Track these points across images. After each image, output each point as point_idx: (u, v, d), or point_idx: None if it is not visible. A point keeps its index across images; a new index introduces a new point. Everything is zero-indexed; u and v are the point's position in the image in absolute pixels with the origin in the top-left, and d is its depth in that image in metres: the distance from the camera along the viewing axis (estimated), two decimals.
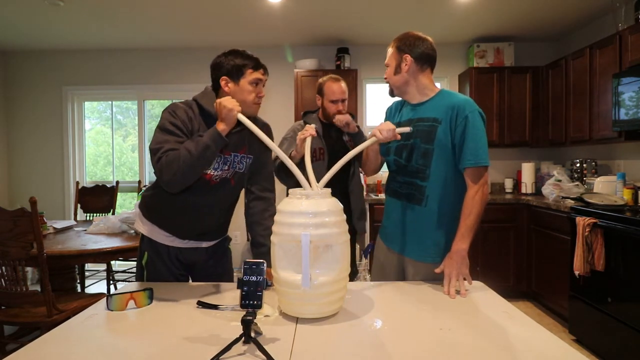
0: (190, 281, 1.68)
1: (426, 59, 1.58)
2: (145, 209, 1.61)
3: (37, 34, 4.06)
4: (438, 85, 1.76)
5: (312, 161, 1.46)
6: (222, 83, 1.47)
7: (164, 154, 1.34)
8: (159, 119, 1.44)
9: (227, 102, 1.35)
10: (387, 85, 1.67)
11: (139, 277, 1.63)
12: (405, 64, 1.57)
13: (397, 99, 1.75)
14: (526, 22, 3.81)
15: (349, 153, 1.41)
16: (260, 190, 1.68)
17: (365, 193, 4.08)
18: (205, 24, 3.81)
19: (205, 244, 1.64)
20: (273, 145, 1.33)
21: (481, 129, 1.51)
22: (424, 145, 1.55)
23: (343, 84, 2.32)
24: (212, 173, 1.49)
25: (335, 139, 2.36)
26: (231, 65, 1.46)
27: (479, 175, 1.51)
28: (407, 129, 1.50)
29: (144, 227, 1.59)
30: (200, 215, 1.55)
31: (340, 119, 2.23)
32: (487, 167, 1.52)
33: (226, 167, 1.52)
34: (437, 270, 1.48)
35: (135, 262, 3.96)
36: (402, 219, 1.63)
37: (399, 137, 1.48)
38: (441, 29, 3.96)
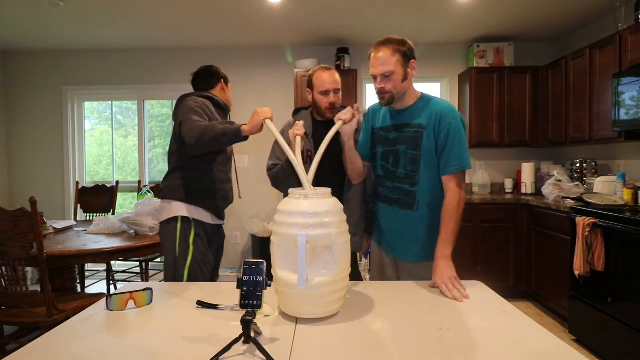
0: None
1: None
2: (185, 194, 1.84)
3: (37, 34, 4.06)
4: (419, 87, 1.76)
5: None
6: (222, 84, 2.08)
7: (195, 123, 1.67)
8: (182, 110, 1.79)
9: (262, 111, 1.56)
10: (381, 94, 1.59)
11: (170, 263, 1.84)
12: (413, 70, 1.58)
13: (375, 102, 1.75)
14: (526, 22, 3.81)
15: (322, 143, 1.43)
16: None
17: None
18: (205, 24, 3.81)
19: (224, 222, 2.03)
20: (289, 151, 1.35)
21: (463, 135, 1.56)
22: (411, 152, 1.58)
23: (336, 74, 2.03)
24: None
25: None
26: (221, 75, 2.08)
27: (462, 179, 1.56)
28: (365, 109, 1.68)
29: (188, 210, 1.81)
30: (228, 189, 1.99)
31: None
32: (467, 170, 1.58)
33: None
34: (430, 285, 1.46)
35: (135, 262, 4.00)
36: (394, 224, 1.66)
37: (357, 114, 1.61)
38: (441, 29, 3.96)
